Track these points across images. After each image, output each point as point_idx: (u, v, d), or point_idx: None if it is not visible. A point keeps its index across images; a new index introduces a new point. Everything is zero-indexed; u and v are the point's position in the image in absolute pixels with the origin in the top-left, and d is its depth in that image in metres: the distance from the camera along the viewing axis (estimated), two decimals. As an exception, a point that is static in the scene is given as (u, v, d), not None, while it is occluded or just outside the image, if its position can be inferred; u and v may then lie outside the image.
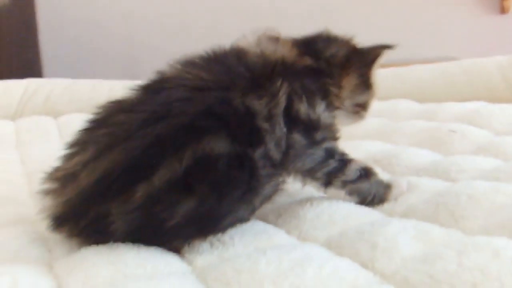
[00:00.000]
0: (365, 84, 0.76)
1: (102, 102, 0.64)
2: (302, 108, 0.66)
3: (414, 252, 0.51)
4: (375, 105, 0.80)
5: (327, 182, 0.69)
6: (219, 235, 0.61)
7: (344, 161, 0.69)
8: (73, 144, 0.63)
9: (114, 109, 0.64)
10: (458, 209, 0.61)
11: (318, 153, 0.68)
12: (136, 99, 0.64)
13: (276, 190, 0.67)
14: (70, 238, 0.61)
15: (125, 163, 0.58)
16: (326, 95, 0.71)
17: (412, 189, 0.72)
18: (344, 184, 0.70)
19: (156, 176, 0.57)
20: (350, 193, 0.71)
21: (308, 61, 0.71)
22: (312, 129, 0.68)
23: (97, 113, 0.64)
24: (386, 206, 0.70)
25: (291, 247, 0.55)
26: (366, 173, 0.70)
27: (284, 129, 0.64)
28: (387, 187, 0.71)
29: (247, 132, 0.62)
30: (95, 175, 0.58)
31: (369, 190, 0.70)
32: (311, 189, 0.74)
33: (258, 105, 0.62)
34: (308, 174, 0.69)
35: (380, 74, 0.78)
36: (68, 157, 0.62)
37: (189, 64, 0.66)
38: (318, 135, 0.68)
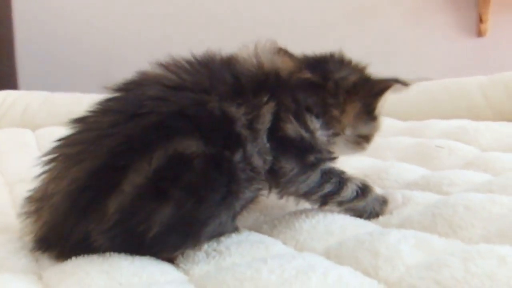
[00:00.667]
0: (370, 115, 0.74)
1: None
2: (290, 127, 0.64)
3: (417, 260, 0.51)
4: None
5: (323, 203, 0.69)
6: (214, 245, 0.60)
7: (341, 183, 0.68)
8: (46, 161, 0.60)
9: (89, 114, 0.61)
10: (456, 220, 0.61)
11: (313, 177, 0.66)
12: (111, 98, 0.61)
13: (257, 194, 0.65)
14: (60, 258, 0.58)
15: (91, 170, 0.55)
16: (323, 113, 0.68)
17: (406, 202, 0.72)
18: (340, 204, 0.69)
19: (125, 182, 0.54)
20: (346, 211, 0.70)
21: (307, 74, 0.69)
22: (305, 151, 0.65)
23: (75, 124, 0.61)
24: (381, 218, 0.69)
25: (291, 257, 0.54)
26: (363, 192, 0.69)
27: (268, 145, 0.63)
28: (383, 203, 0.70)
29: (225, 136, 0.59)
30: (63, 187, 0.56)
31: (365, 208, 0.69)
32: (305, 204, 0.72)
33: (236, 112, 0.60)
34: (303, 197, 0.68)
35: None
36: (42, 175, 0.60)
37: (174, 64, 0.64)
38: (312, 157, 0.66)
